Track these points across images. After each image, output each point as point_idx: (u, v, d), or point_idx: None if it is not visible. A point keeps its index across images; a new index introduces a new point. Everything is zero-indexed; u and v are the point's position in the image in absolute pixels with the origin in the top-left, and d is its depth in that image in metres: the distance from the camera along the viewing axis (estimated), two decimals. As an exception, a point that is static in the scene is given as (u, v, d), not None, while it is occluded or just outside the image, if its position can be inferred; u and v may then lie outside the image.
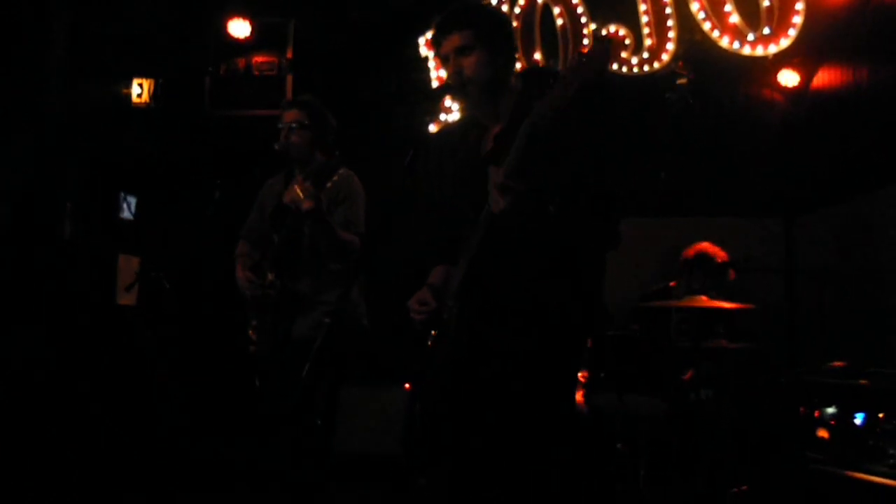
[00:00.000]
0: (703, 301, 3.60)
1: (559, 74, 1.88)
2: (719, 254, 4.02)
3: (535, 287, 2.06)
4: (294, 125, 3.20)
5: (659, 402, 3.48)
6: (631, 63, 4.80)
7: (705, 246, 4.05)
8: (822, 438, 2.79)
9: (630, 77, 4.80)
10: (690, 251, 4.06)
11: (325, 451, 3.06)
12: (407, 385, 4.43)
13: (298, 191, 2.91)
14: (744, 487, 3.44)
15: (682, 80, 4.68)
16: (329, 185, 2.89)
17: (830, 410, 2.81)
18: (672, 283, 4.16)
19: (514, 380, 2.05)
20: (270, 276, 3.13)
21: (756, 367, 3.83)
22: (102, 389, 4.21)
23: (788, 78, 4.65)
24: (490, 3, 2.28)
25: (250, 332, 3.19)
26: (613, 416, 3.47)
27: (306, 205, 2.86)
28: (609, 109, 2.14)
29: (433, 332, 2.18)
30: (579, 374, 3.62)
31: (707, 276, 3.95)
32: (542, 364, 2.05)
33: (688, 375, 3.55)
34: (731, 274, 3.99)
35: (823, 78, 4.63)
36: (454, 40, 2.17)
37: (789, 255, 4.60)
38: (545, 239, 2.02)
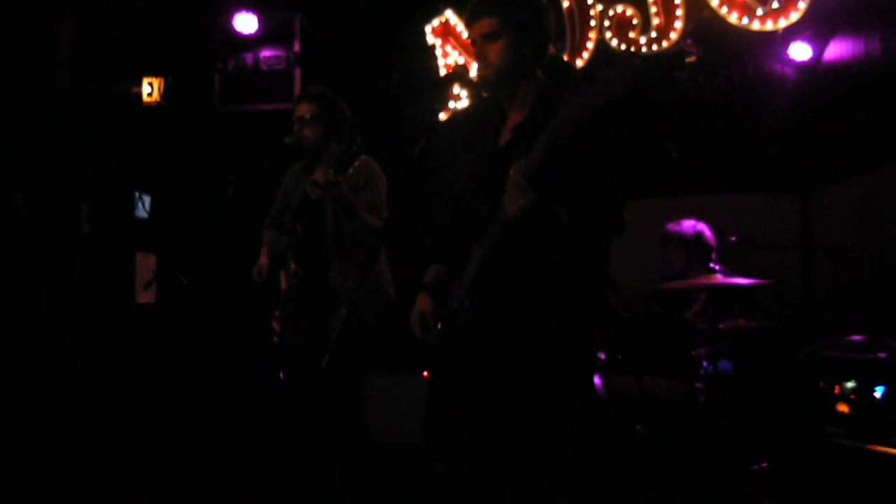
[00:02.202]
0: (717, 279, 3.58)
1: (599, 76, 1.88)
2: (686, 230, 4.02)
3: (550, 279, 2.05)
4: (307, 118, 3.22)
5: (677, 384, 3.48)
6: (639, 42, 4.76)
7: (669, 226, 4.07)
8: (843, 413, 2.78)
9: (638, 56, 4.77)
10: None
11: (363, 441, 3.07)
12: (425, 373, 4.46)
13: (318, 178, 2.93)
14: (763, 465, 3.44)
15: (692, 59, 4.61)
16: (350, 171, 2.91)
17: (850, 385, 2.80)
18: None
19: (533, 368, 2.04)
20: (294, 267, 3.15)
21: (774, 345, 3.82)
22: (126, 387, 4.26)
23: (800, 52, 4.59)
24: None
25: (274, 322, 3.21)
26: (632, 398, 3.47)
27: (323, 179, 2.85)
28: (626, 134, 2.12)
29: (439, 324, 2.19)
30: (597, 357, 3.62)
31: (672, 254, 3.97)
32: (560, 351, 2.05)
33: (704, 350, 3.54)
34: (706, 250, 3.99)
35: (835, 50, 4.57)
36: (483, 25, 2.15)
37: (804, 231, 4.57)
38: (559, 241, 2.01)
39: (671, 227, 4.10)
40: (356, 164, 2.94)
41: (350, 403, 3.03)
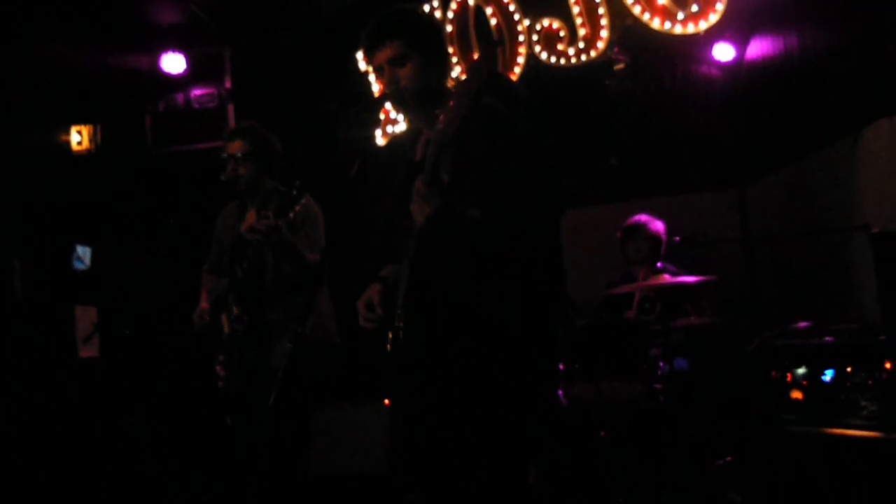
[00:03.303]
0: (665, 279, 3.64)
1: (453, 89, 1.90)
2: (652, 223, 4.13)
3: (473, 293, 2.02)
4: (239, 155, 3.16)
5: (635, 385, 3.50)
6: (568, 54, 4.85)
7: (636, 217, 4.16)
8: (797, 400, 2.82)
9: (568, 68, 4.85)
10: (622, 227, 4.18)
11: (299, 477, 3.02)
12: (387, 401, 4.40)
13: (254, 220, 2.86)
14: (727, 459, 3.47)
15: (620, 66, 4.74)
16: (291, 215, 2.86)
17: (801, 371, 2.84)
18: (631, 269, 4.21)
19: (468, 385, 2.01)
20: (236, 310, 3.09)
21: (724, 339, 3.88)
22: (77, 441, 4.11)
23: (723, 52, 4.74)
24: (420, 9, 2.27)
25: (218, 367, 3.14)
26: (593, 405, 3.48)
27: (263, 225, 2.80)
28: (514, 111, 2.12)
29: (389, 334, 2.17)
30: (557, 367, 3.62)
31: (640, 244, 4.06)
32: (495, 365, 2.00)
33: (659, 350, 3.58)
34: (664, 244, 4.09)
35: (756, 49, 4.72)
36: (387, 51, 2.14)
37: (743, 225, 4.68)
38: (475, 245, 1.98)
39: (642, 218, 4.17)
40: (297, 207, 2.88)
41: (296, 440, 2.97)
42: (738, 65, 4.78)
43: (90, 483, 4.08)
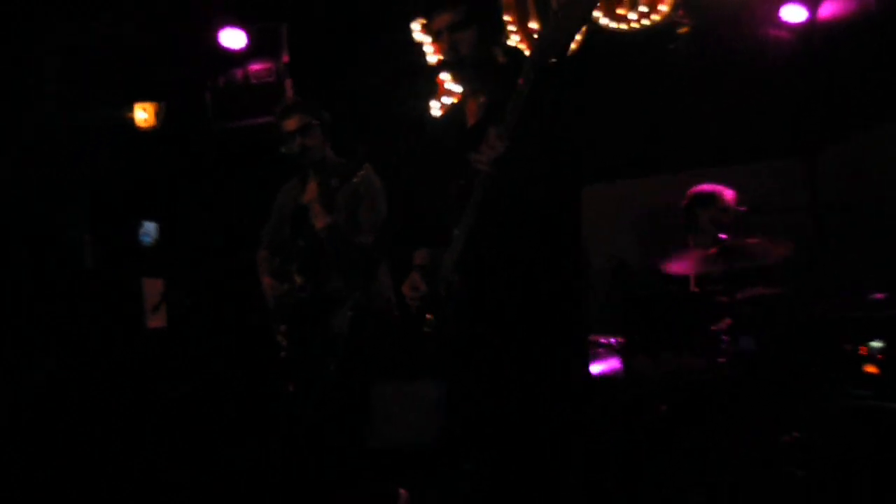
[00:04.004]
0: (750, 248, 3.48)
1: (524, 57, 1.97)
2: (725, 191, 3.94)
3: (527, 248, 2.09)
4: (300, 129, 3.21)
5: (697, 359, 3.42)
6: (629, 19, 4.69)
7: (705, 186, 3.97)
8: (871, 374, 2.71)
9: (629, 33, 4.70)
10: (690, 195, 3.98)
11: (359, 448, 3.07)
12: (438, 373, 4.42)
13: (316, 198, 2.92)
14: (795, 434, 3.37)
15: (684, 30, 4.57)
16: (355, 180, 2.91)
17: (877, 344, 2.73)
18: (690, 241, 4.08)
19: (521, 344, 2.07)
20: (299, 280, 3.15)
21: (794, 310, 3.74)
22: (144, 407, 4.27)
23: (793, 13, 4.53)
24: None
25: (279, 337, 3.21)
26: (652, 379, 3.42)
27: (319, 223, 2.91)
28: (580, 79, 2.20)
29: (428, 315, 2.20)
30: (614, 340, 3.58)
31: (715, 214, 3.87)
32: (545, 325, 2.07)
33: (724, 324, 3.47)
34: (732, 209, 3.90)
35: (829, 8, 4.50)
36: (446, 17, 2.16)
37: (812, 193, 4.50)
38: (534, 203, 2.05)
39: (714, 187, 3.93)
40: (361, 172, 2.93)
41: (356, 409, 3.02)
42: (809, 26, 4.56)
43: (156, 447, 4.23)
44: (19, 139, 4.39)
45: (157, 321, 4.52)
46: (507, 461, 2.11)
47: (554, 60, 1.95)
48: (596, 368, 3.61)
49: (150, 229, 5.01)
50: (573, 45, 5.02)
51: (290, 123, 3.23)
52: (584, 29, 4.76)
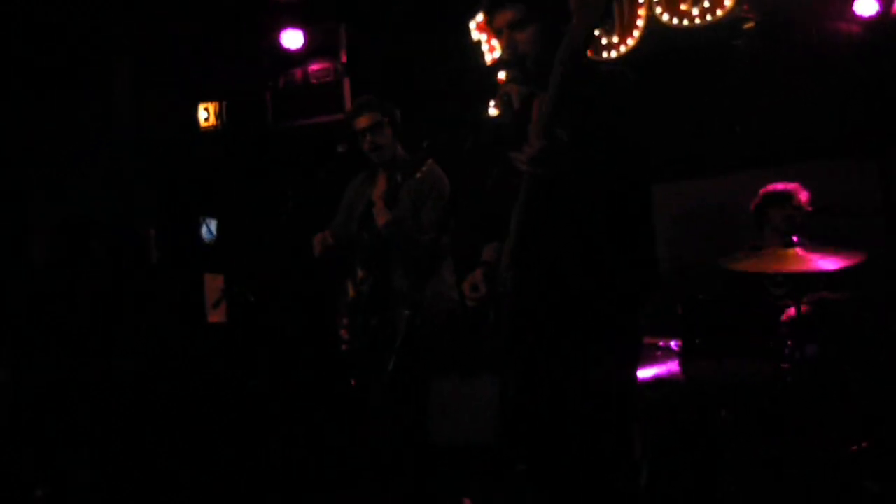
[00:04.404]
0: (813, 258, 3.35)
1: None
2: (800, 191, 3.80)
3: (580, 244, 2.06)
4: (372, 127, 3.24)
5: (761, 364, 3.32)
6: (692, 14, 4.57)
7: (779, 185, 3.85)
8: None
9: (692, 29, 4.59)
10: (763, 194, 3.86)
11: (419, 444, 3.08)
12: (496, 372, 4.40)
13: (381, 195, 2.92)
14: (864, 444, 3.24)
15: (750, 25, 4.43)
16: (418, 175, 2.93)
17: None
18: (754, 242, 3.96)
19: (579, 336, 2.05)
20: (361, 274, 3.18)
21: (863, 316, 3.60)
22: (207, 403, 4.37)
23: (865, 6, 4.35)
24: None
25: (342, 331, 3.23)
26: (714, 383, 3.33)
27: (381, 221, 2.92)
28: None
29: (490, 315, 2.19)
30: (673, 343, 3.50)
31: (791, 213, 3.73)
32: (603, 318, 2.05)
33: (788, 329, 3.35)
34: (805, 205, 3.76)
35: (904, 1, 4.31)
36: (507, 14, 2.14)
37: (885, 194, 4.31)
38: (585, 195, 2.03)
39: (789, 186, 3.83)
40: (424, 168, 2.95)
41: (415, 405, 3.02)
42: (881, 19, 4.38)
43: (220, 442, 4.33)
44: (90, 138, 4.56)
45: (216, 316, 4.63)
46: (559, 463, 2.09)
47: (578, 58, 1.90)
48: (652, 371, 3.55)
49: (211, 225, 5.14)
50: (631, 43, 4.96)
51: (362, 121, 3.27)
52: (640, 26, 4.69)
